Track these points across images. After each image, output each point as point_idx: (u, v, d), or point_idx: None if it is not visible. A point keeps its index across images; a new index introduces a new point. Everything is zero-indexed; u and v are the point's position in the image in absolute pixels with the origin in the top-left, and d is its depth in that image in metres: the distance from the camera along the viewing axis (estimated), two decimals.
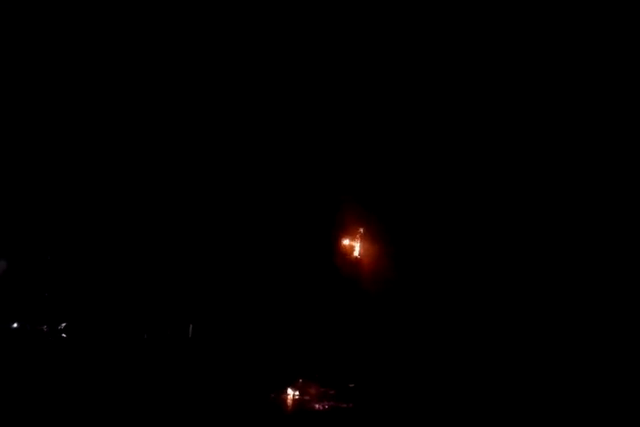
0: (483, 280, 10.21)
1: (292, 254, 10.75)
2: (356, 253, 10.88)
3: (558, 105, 9.80)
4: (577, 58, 9.65)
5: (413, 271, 10.48)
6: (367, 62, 10.50)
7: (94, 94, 10.56)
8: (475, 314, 10.16)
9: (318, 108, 10.45)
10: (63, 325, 10.23)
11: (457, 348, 10.11)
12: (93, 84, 10.55)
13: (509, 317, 9.99)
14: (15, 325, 10.09)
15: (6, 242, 10.18)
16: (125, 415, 9.06)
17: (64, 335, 10.20)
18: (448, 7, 10.09)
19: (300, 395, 10.27)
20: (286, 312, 10.59)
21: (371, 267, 10.75)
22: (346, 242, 10.89)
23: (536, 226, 10.14)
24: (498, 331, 9.99)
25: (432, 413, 9.55)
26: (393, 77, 10.30)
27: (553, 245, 9.92)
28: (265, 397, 10.12)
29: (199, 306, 10.64)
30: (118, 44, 10.47)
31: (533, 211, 10.15)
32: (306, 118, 10.50)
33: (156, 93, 10.56)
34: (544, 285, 9.94)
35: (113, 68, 10.56)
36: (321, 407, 10.15)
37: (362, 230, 10.90)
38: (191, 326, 10.62)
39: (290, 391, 10.27)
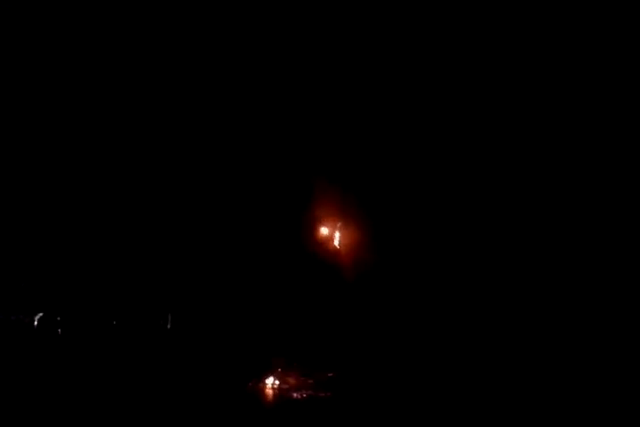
0: (468, 268, 10.12)
1: (270, 242, 10.67)
2: (335, 242, 10.77)
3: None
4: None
5: (395, 259, 10.38)
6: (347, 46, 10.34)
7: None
8: (459, 302, 10.08)
9: (292, 90, 10.31)
10: (40, 315, 10.21)
11: (439, 337, 10.04)
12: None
13: (493, 303, 9.90)
14: None
15: None
16: (99, 405, 9.10)
17: (39, 326, 10.19)
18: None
19: (278, 384, 10.22)
20: (264, 302, 10.52)
21: (350, 255, 10.64)
22: (324, 230, 10.78)
23: (521, 209, 10.01)
24: (480, 318, 9.92)
25: (411, 402, 9.52)
26: (371, 61, 10.14)
27: (537, 227, 9.80)
28: (243, 386, 10.10)
29: (177, 295, 10.59)
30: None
31: (518, 193, 10.01)
32: (279, 100, 10.36)
33: (144, 88, 10.53)
34: (528, 268, 9.84)
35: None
36: (299, 396, 10.10)
37: (341, 217, 10.77)
38: (170, 315, 10.57)
39: (268, 381, 10.23)
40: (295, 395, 10.11)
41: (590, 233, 9.11)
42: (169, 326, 10.45)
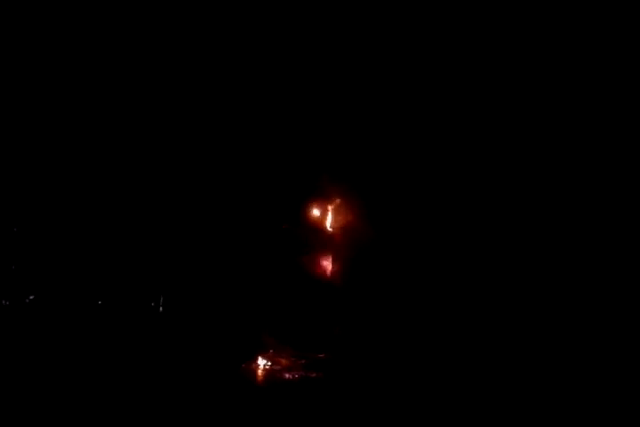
0: (463, 252, 10.15)
1: (263, 225, 10.66)
2: (327, 224, 10.79)
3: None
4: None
5: (389, 243, 10.39)
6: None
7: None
8: (453, 287, 10.15)
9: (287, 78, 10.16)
10: (31, 297, 10.19)
11: (432, 322, 10.16)
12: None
13: (487, 291, 10.01)
14: None
15: None
16: (88, 389, 9.20)
17: (30, 308, 10.18)
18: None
19: (270, 365, 10.39)
20: (257, 284, 10.58)
21: (343, 238, 10.67)
22: (316, 212, 10.78)
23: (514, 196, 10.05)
24: (474, 306, 10.02)
25: (401, 382, 9.73)
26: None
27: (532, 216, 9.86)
28: (235, 367, 10.24)
29: (170, 277, 10.60)
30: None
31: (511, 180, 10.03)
32: (277, 92, 10.24)
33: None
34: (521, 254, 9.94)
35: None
36: (291, 377, 10.29)
37: (333, 200, 10.76)
38: (162, 297, 10.60)
39: (260, 362, 10.38)
40: (287, 375, 10.29)
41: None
42: (161, 309, 10.51)
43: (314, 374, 10.23)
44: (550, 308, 9.23)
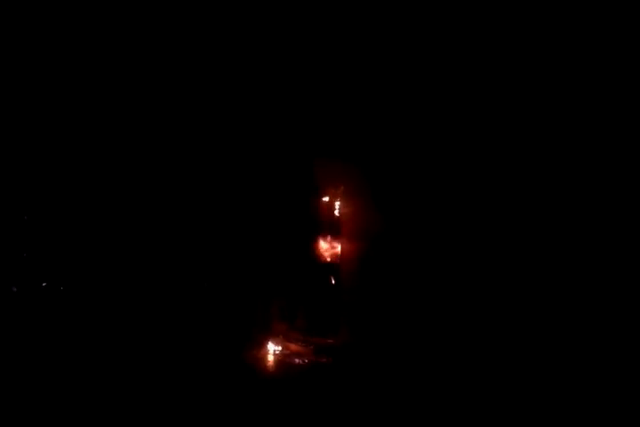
0: (471, 241, 10.14)
1: (275, 211, 10.69)
2: (335, 212, 10.83)
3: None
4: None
5: (397, 230, 10.35)
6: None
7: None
8: (460, 274, 10.18)
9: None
10: (43, 284, 10.26)
11: (439, 308, 10.22)
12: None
13: (490, 278, 10.06)
14: None
15: None
16: (102, 369, 9.41)
17: (44, 294, 10.26)
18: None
19: (280, 350, 10.55)
20: (268, 270, 10.66)
21: (351, 223, 10.71)
22: (325, 199, 10.81)
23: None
24: (476, 296, 10.08)
25: (406, 368, 9.88)
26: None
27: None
28: (246, 352, 10.39)
29: (181, 261, 10.65)
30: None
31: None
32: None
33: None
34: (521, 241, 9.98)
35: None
36: (301, 362, 10.47)
37: (342, 186, 10.77)
38: (175, 280, 10.65)
39: (270, 347, 10.54)
40: (297, 360, 10.47)
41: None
42: (175, 295, 10.57)
43: (323, 360, 10.40)
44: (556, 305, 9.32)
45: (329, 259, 10.78)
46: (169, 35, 10.25)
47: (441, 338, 9.95)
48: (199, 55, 10.35)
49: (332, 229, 10.83)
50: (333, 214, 10.83)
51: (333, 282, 10.73)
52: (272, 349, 10.53)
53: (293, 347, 10.57)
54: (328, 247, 10.78)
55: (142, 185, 10.46)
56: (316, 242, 10.79)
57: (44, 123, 10.28)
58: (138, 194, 10.52)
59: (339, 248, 10.72)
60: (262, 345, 10.52)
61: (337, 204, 10.80)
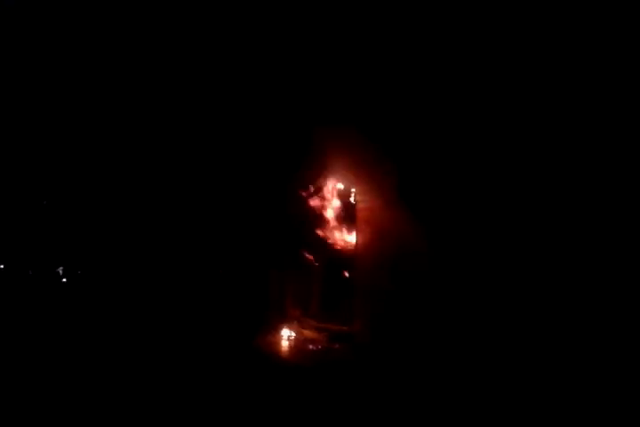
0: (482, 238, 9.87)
1: (288, 199, 10.64)
2: (352, 198, 10.71)
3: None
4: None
5: (414, 221, 10.09)
6: None
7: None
8: (472, 269, 9.97)
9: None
10: (60, 269, 10.41)
11: (456, 299, 10.06)
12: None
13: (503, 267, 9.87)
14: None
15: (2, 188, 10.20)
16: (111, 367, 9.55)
17: (63, 279, 10.42)
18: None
19: (294, 336, 10.64)
20: (284, 258, 10.68)
21: (367, 212, 10.56)
22: (340, 186, 10.70)
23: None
24: (485, 287, 9.88)
25: (423, 360, 9.86)
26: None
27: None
28: (263, 336, 10.49)
29: (198, 248, 10.72)
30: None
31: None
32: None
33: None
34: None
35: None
36: (314, 348, 10.55)
37: (359, 173, 10.59)
38: (189, 264, 10.74)
39: (285, 333, 10.64)
40: (310, 346, 10.55)
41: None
42: (189, 276, 10.66)
43: (336, 346, 10.45)
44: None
45: (343, 248, 10.73)
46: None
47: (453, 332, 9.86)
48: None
49: (347, 217, 10.74)
50: (349, 201, 10.73)
51: (348, 269, 10.71)
52: (286, 334, 10.63)
53: (308, 333, 10.64)
54: (342, 237, 10.73)
55: (161, 173, 10.48)
56: (331, 229, 10.74)
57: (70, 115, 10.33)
58: (157, 182, 10.56)
59: (353, 238, 10.64)
60: (277, 330, 10.62)
61: (354, 190, 10.68)
